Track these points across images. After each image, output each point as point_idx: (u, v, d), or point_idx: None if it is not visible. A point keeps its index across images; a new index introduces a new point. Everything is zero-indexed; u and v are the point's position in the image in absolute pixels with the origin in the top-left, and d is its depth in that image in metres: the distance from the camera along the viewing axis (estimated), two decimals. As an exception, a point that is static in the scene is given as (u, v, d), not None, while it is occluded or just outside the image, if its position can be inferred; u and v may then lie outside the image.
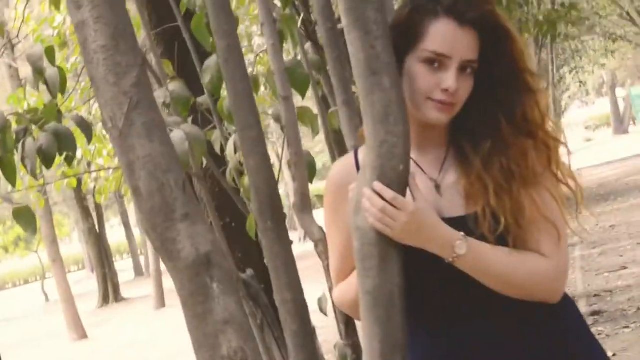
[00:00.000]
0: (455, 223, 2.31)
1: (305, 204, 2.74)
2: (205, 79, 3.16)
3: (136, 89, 2.17)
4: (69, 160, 3.12)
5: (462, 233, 2.28)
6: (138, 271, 40.94)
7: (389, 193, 2.20)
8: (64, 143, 3.03)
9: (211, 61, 3.15)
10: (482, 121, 2.37)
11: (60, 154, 3.07)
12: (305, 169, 2.74)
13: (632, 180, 23.66)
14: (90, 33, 2.17)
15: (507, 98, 2.36)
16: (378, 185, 2.21)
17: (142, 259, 40.11)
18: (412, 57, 2.32)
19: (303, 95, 3.17)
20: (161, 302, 24.48)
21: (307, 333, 2.82)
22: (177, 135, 2.91)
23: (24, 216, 3.06)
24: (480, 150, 2.36)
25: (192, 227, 2.18)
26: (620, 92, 58.49)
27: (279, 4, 3.11)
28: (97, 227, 30.11)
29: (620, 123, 55.11)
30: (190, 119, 3.49)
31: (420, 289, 2.35)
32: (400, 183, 2.22)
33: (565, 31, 16.19)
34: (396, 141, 2.20)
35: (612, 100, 55.32)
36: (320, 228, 2.87)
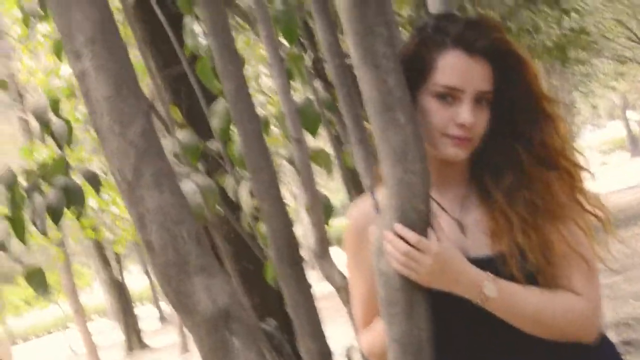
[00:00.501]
0: (482, 263, 2.21)
1: (324, 250, 2.65)
2: (214, 122, 3.08)
3: (143, 138, 2.09)
4: (77, 215, 3.04)
5: (489, 274, 2.18)
6: (162, 318, 40.77)
7: (411, 235, 2.11)
8: (72, 198, 2.95)
9: (219, 104, 3.07)
10: (502, 154, 2.28)
11: (69, 209, 2.99)
12: (322, 212, 2.65)
13: (655, 205, 23.43)
14: (92, 83, 2.10)
15: (525, 127, 2.27)
16: (399, 227, 2.11)
17: (163, 305, 39.96)
18: (423, 92, 2.24)
19: (315, 135, 3.09)
20: (185, 348, 24.32)
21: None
22: (188, 186, 2.82)
23: (35, 277, 2.98)
24: (502, 184, 2.27)
25: (209, 279, 2.09)
26: (631, 115, 58.29)
27: (285, 43, 3.03)
28: (117, 276, 30.00)
29: (635, 146, 54.91)
30: (200, 165, 3.42)
31: (447, 330, 2.25)
32: (422, 224, 2.13)
33: (575, 55, 16.13)
34: (415, 179, 2.10)
35: (625, 123, 55.12)
36: (341, 274, 2.78)
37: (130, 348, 28.80)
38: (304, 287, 2.67)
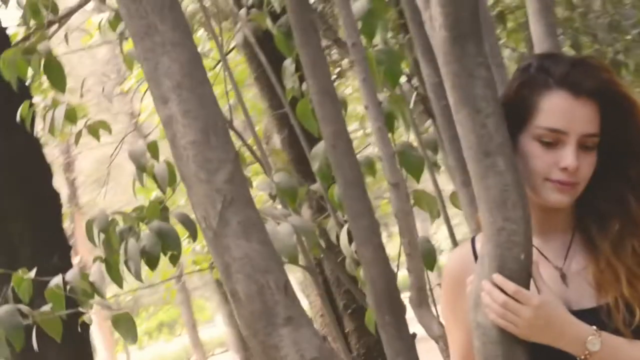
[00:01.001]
0: (586, 316, 2.07)
1: (422, 299, 2.55)
2: (314, 165, 3.01)
3: (230, 185, 2.03)
4: (174, 260, 3.00)
5: (594, 327, 2.04)
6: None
7: (510, 286, 1.99)
8: (168, 242, 2.92)
9: (319, 147, 2.99)
10: (609, 200, 2.15)
11: (165, 254, 2.96)
12: (421, 260, 2.55)
13: None
14: (179, 128, 2.05)
15: (634, 172, 2.14)
16: (498, 278, 2.00)
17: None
18: (524, 135, 2.12)
19: (418, 179, 2.99)
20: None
21: None
22: (285, 228, 2.76)
23: (124, 323, 2.94)
24: (609, 233, 2.13)
25: (296, 331, 2.01)
26: None
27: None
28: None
29: None
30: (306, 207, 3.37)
31: None
32: (523, 274, 2.01)
33: None
34: (516, 228, 1.99)
35: None
36: (440, 324, 2.67)
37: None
38: (404, 336, 2.57)
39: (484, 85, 2.01)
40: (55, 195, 6.09)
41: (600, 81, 2.09)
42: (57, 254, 5.47)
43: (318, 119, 2.62)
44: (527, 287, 2.01)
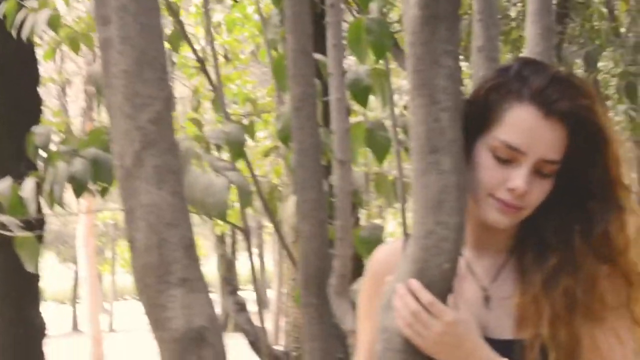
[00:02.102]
0: (499, 346, 1.91)
1: (343, 287, 2.39)
2: (278, 124, 2.85)
3: (154, 125, 1.87)
4: (103, 193, 2.84)
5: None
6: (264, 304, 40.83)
7: (425, 295, 1.83)
8: (100, 172, 2.75)
9: (287, 107, 2.83)
10: (554, 232, 1.96)
11: (94, 183, 2.79)
12: (351, 247, 2.39)
13: None
14: (114, 54, 1.89)
15: (589, 211, 1.94)
16: (414, 284, 1.84)
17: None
18: (481, 142, 1.92)
19: (381, 161, 2.81)
20: (276, 337, 24.21)
21: None
22: (220, 181, 2.59)
23: (27, 247, 2.78)
24: (544, 266, 1.94)
25: (189, 295, 1.85)
26: None
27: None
28: (230, 253, 30.17)
29: None
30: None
31: None
32: (443, 285, 1.85)
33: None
34: (447, 234, 1.83)
35: None
36: (355, 318, 2.51)
37: (224, 326, 28.89)
38: (325, 321, 2.42)
39: (447, 75, 1.84)
40: (38, 102, 6.00)
41: (577, 105, 1.88)
42: (25, 161, 5.34)
43: (289, 76, 2.46)
44: (444, 299, 1.86)
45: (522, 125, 1.88)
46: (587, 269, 1.92)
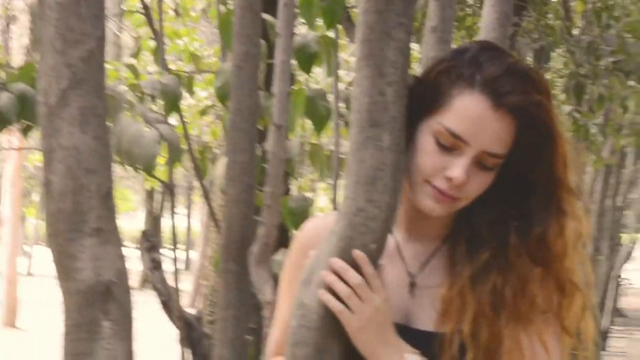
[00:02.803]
0: (420, 337, 1.85)
1: (265, 257, 2.31)
2: (217, 82, 2.75)
3: (84, 65, 1.77)
4: (25, 132, 2.72)
5: (416, 353, 1.82)
6: (188, 265, 40.62)
7: (354, 277, 1.75)
8: (26, 109, 2.62)
9: (228, 65, 2.73)
10: (490, 225, 1.88)
11: (18, 120, 2.67)
12: (278, 216, 2.30)
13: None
14: (51, -17, 1.78)
15: (529, 210, 1.86)
16: (339, 264, 1.76)
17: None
18: (425, 125, 1.83)
19: (319, 132, 2.73)
20: (193, 300, 24.07)
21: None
22: (150, 134, 2.48)
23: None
24: (475, 260, 1.86)
25: (101, 246, 1.76)
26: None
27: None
28: (158, 210, 29.93)
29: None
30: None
31: None
32: (367, 265, 1.78)
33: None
34: (377, 213, 1.75)
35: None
36: (274, 290, 2.43)
37: (143, 283, 28.69)
38: (242, 288, 2.34)
39: (398, 49, 1.76)
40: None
41: (528, 100, 1.79)
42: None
43: (233, 34, 2.37)
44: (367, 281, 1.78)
45: (468, 114, 1.79)
46: (519, 269, 1.84)
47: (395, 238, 1.96)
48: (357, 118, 1.77)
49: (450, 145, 1.80)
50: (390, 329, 1.81)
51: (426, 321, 1.89)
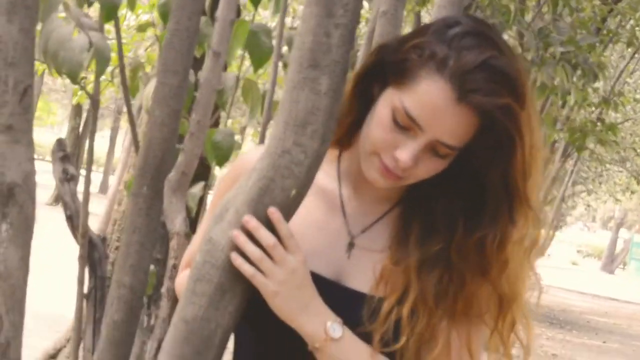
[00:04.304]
0: (352, 296, 1.81)
1: (180, 185, 2.22)
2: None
3: (20, -48, 1.65)
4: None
5: (338, 318, 1.76)
6: (103, 189, 40.21)
7: (267, 238, 1.68)
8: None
9: (174, -18, 2.61)
10: (444, 213, 1.82)
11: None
12: (201, 146, 2.22)
13: (593, 320, 23.12)
14: None
15: (480, 212, 1.80)
16: (252, 222, 1.68)
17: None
18: (388, 96, 1.77)
19: (256, 70, 2.64)
20: (105, 227, 23.79)
21: (129, 331, 2.31)
22: (80, 40, 2.37)
23: None
24: (426, 246, 1.81)
25: (10, 145, 1.65)
26: (623, 233, 57.83)
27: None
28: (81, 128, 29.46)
29: (610, 261, 54.37)
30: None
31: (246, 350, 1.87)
32: (284, 212, 1.71)
33: (594, 150, 15.35)
34: (302, 159, 1.68)
35: (613, 237, 54.44)
36: (185, 221, 2.35)
37: (57, 199, 28.32)
38: (152, 216, 2.25)
39: (352, -8, 1.68)
40: None
41: (494, 104, 1.69)
42: None
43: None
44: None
45: (430, 100, 1.71)
46: (462, 267, 1.80)
47: (341, 192, 1.90)
48: (298, 56, 1.69)
49: (405, 125, 1.74)
50: (309, 293, 1.75)
51: (360, 282, 1.84)
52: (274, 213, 1.68)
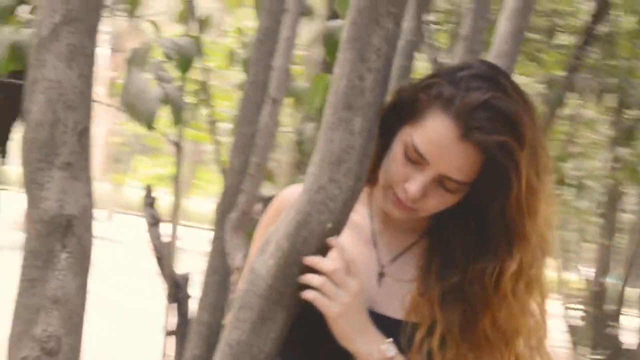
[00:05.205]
0: (387, 323, 1.90)
1: (241, 224, 2.35)
2: (245, 54, 2.80)
3: (81, 3, 1.83)
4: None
5: (391, 340, 1.87)
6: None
7: (328, 264, 1.80)
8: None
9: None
10: (462, 247, 1.92)
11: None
12: (259, 186, 2.34)
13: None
14: None
15: (483, 244, 1.90)
16: (308, 259, 1.80)
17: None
18: (402, 132, 1.89)
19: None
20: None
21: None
22: (155, 92, 2.52)
23: None
24: (445, 281, 1.91)
25: (69, 181, 1.82)
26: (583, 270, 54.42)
27: None
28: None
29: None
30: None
31: None
32: (321, 244, 1.81)
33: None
34: (337, 194, 1.79)
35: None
36: (246, 257, 2.47)
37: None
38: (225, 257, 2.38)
39: (384, 37, 1.80)
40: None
41: (492, 141, 1.80)
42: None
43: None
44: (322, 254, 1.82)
45: (435, 136, 1.83)
46: (472, 298, 1.89)
47: (373, 226, 2.01)
48: (333, 99, 1.80)
49: (415, 160, 1.85)
50: (366, 316, 1.86)
51: (392, 310, 1.94)
52: (333, 241, 1.80)
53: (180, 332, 2.88)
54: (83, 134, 1.84)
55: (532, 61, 6.80)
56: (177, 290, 2.88)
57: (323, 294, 1.81)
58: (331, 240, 1.80)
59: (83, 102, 1.84)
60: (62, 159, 1.82)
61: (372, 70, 1.79)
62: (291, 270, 1.81)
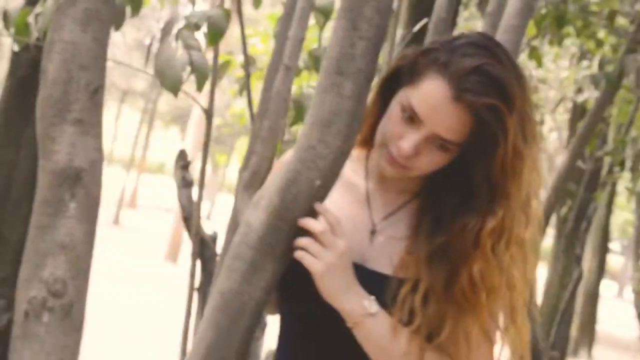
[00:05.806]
0: (376, 278, 2.03)
1: (251, 184, 2.46)
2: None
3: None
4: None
5: (374, 297, 1.99)
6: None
7: (316, 225, 1.92)
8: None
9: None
10: (453, 210, 2.03)
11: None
12: (272, 148, 2.45)
13: None
14: None
15: (468, 202, 2.01)
16: (319, 205, 1.93)
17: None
18: (400, 94, 2.03)
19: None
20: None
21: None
22: (182, 58, 2.65)
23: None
24: (433, 240, 2.03)
25: (79, 136, 1.96)
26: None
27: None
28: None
29: None
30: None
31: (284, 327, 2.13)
32: (310, 200, 1.94)
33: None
34: (326, 153, 1.91)
35: None
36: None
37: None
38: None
39: (375, 8, 1.92)
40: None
41: (482, 103, 1.93)
42: None
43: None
44: (310, 214, 1.94)
45: (429, 97, 1.96)
46: (457, 257, 1.99)
47: (367, 186, 2.13)
48: (326, 65, 1.92)
49: (410, 119, 1.98)
50: (351, 275, 1.98)
51: (382, 265, 2.06)
52: (320, 206, 1.92)
53: (204, 289, 3.01)
54: (95, 93, 1.98)
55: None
56: (203, 248, 3.02)
57: (310, 253, 1.93)
58: (317, 205, 1.92)
59: (96, 64, 1.97)
60: (74, 115, 1.95)
61: (364, 38, 1.90)
62: (281, 224, 1.93)
